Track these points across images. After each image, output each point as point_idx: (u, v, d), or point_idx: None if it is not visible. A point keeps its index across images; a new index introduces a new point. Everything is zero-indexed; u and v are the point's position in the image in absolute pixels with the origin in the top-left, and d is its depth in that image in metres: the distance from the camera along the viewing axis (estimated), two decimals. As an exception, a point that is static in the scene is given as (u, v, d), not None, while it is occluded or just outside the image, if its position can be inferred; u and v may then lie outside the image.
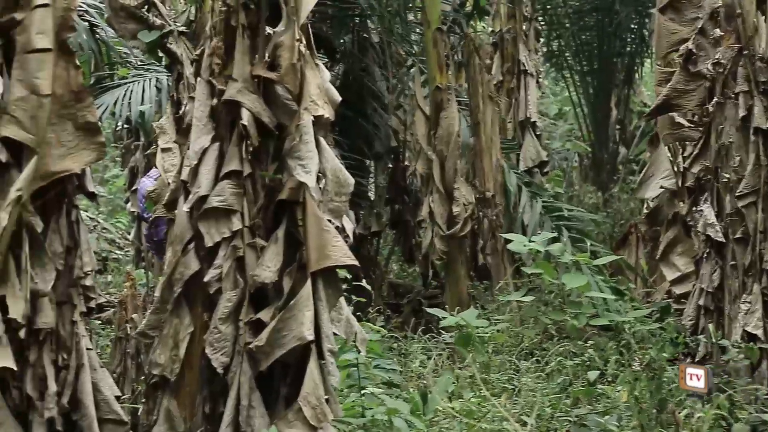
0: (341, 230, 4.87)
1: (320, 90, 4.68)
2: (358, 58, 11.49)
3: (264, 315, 4.73)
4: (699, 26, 6.85)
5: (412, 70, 11.90)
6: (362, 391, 5.80)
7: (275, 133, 4.79)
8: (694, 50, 6.83)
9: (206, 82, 4.81)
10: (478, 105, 10.47)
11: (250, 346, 4.69)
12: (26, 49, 3.97)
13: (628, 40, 16.56)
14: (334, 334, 4.85)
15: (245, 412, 4.71)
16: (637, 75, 17.87)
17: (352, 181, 4.92)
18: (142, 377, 5.84)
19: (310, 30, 4.81)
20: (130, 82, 8.76)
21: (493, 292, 10.03)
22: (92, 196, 4.41)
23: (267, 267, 4.74)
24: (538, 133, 12.99)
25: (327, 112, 4.68)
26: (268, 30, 4.79)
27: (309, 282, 4.69)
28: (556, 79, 18.77)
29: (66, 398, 4.29)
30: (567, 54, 16.80)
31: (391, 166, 12.32)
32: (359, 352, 5.12)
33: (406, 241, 12.47)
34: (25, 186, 4.02)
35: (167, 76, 8.58)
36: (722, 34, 6.69)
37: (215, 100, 4.78)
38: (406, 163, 12.28)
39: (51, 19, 3.98)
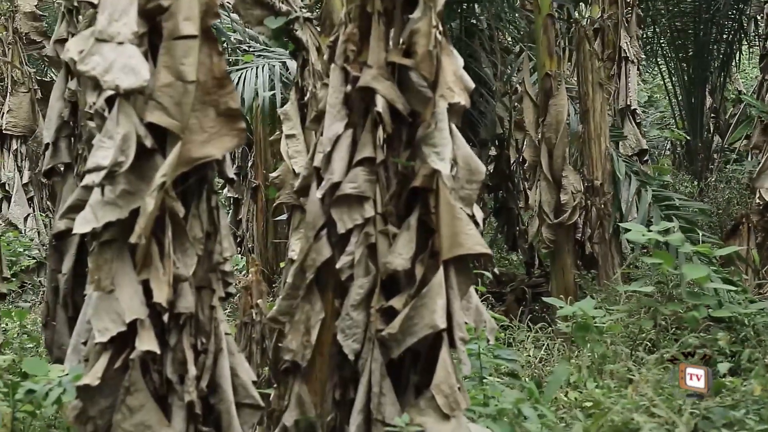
0: (472, 218, 4.83)
1: (456, 77, 4.64)
2: (466, 44, 11.42)
3: (396, 302, 4.72)
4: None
5: (520, 56, 11.80)
6: (483, 380, 5.78)
7: (409, 120, 4.76)
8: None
9: (340, 69, 4.79)
10: (588, 92, 10.35)
11: (382, 334, 4.68)
12: (173, 36, 3.99)
13: (726, 26, 16.26)
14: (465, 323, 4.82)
15: (376, 399, 4.71)
16: (733, 62, 17.55)
17: (483, 168, 4.87)
18: (267, 362, 5.88)
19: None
20: (242, 69, 8.79)
21: (601, 281, 9.91)
22: (231, 182, 4.43)
23: (399, 254, 4.72)
24: (637, 120, 12.84)
25: (462, 99, 4.64)
26: (404, 16, 4.76)
27: (441, 270, 4.67)
28: (648, 66, 18.52)
29: (205, 382, 4.32)
30: (662, 41, 16.55)
31: (495, 153, 12.25)
32: (488, 341, 5.07)
33: (510, 229, 12.40)
34: (169, 172, 4.05)
35: (279, 62, 8.63)
36: None
37: (349, 87, 4.77)
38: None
39: (197, 6, 4.00)
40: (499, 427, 4.85)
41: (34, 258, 11.94)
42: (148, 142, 4.05)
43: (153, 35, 4.05)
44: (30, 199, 13.19)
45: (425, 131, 4.66)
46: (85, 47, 3.93)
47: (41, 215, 13.16)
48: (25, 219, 13.06)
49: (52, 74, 17.37)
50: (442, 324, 4.60)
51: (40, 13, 14.78)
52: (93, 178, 4.03)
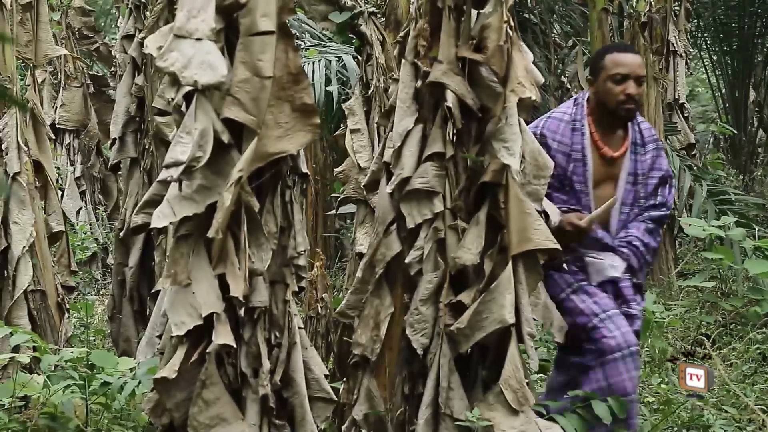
0: (542, 214, 4.83)
1: (527, 72, 4.64)
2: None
3: (465, 297, 4.73)
4: None
5: (574, 50, 11.76)
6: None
7: (478, 115, 4.77)
8: None
9: (411, 64, 4.81)
10: (642, 86, 10.29)
11: (451, 328, 4.69)
12: (250, 32, 4.01)
13: (771, 21, 16.16)
14: (533, 319, 4.82)
15: (444, 394, 4.73)
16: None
17: (551, 164, 4.87)
18: (333, 356, 5.90)
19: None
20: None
21: (656, 276, 9.87)
22: (306, 177, 4.45)
23: (468, 249, 4.73)
24: (685, 115, 12.76)
25: (533, 94, 4.64)
26: (474, 12, 4.76)
27: (510, 265, 4.67)
28: (691, 59, 18.42)
29: (278, 376, 4.35)
30: (706, 34, 16.44)
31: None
32: (554, 338, 5.07)
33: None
34: (245, 167, 4.07)
35: (335, 57, 8.66)
36: None
37: (419, 82, 4.78)
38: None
39: (274, 2, 4.02)
40: (569, 420, 4.84)
41: (89, 249, 12.03)
42: (225, 138, 4.08)
43: (230, 31, 4.08)
44: (82, 193, 13.29)
45: (496, 126, 4.66)
46: (164, 43, 3.96)
47: (94, 209, 13.27)
48: (78, 212, 13.17)
49: (97, 69, 17.49)
50: (511, 319, 4.61)
51: (89, 8, 14.90)
52: (171, 173, 4.06)
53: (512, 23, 4.68)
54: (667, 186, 5.19)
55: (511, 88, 4.65)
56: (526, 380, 4.70)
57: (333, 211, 8.84)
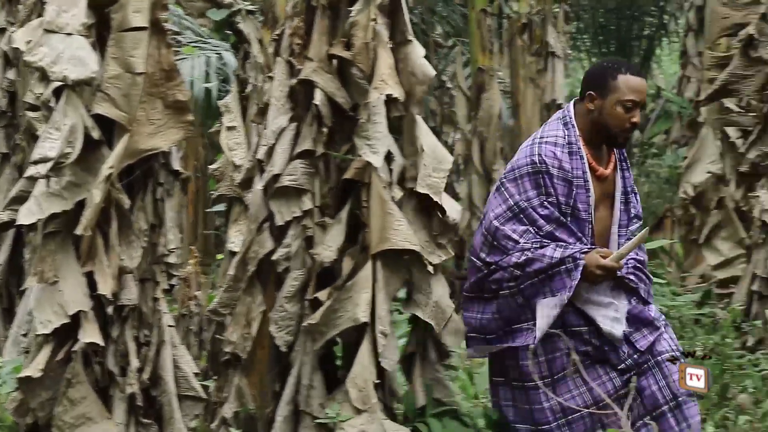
0: (437, 207, 4.81)
1: (392, 70, 4.67)
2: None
3: (322, 294, 4.74)
4: (761, 12, 6.87)
5: (453, 50, 11.90)
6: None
7: (350, 113, 4.80)
8: (755, 35, 6.84)
9: (285, 62, 4.81)
10: (519, 87, 10.48)
11: (304, 324, 4.71)
12: (122, 27, 3.99)
13: (647, 23, 16.58)
14: (417, 317, 4.82)
15: (305, 392, 4.73)
16: (653, 58, 17.91)
17: (450, 158, 4.87)
18: (205, 354, 5.87)
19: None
20: (178, 60, 8.74)
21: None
22: (177, 174, 4.43)
23: (328, 247, 4.75)
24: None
25: (398, 92, 4.67)
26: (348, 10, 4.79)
27: (369, 264, 4.70)
28: (570, 60, 18.81)
29: (147, 374, 4.33)
30: (585, 36, 16.80)
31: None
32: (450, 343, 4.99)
33: (439, 222, 12.47)
34: (116, 164, 4.04)
35: (215, 54, 8.63)
36: (786, 20, 6.72)
37: (294, 80, 4.79)
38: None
39: (147, -2, 4.00)
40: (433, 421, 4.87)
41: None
42: (95, 134, 4.04)
43: (102, 27, 4.04)
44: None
45: (359, 124, 4.69)
46: (33, 38, 3.90)
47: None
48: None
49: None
50: (364, 318, 4.63)
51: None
52: (38, 169, 4.01)
53: (395, 21, 4.73)
54: (637, 195, 4.87)
55: (374, 85, 4.68)
56: (378, 380, 4.69)
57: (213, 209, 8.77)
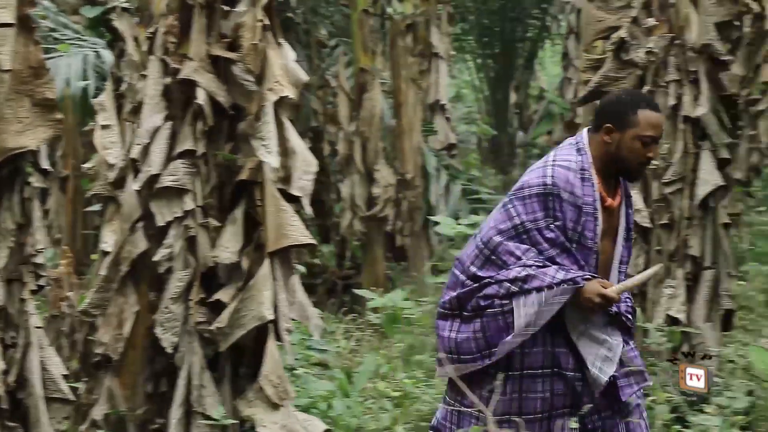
0: (298, 210, 4.87)
1: (283, 71, 4.69)
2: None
3: (223, 295, 4.74)
4: (632, 15, 7.02)
5: (335, 50, 11.92)
6: (293, 372, 5.85)
7: (231, 113, 4.79)
8: (627, 38, 7.00)
9: (159, 61, 4.78)
10: (400, 87, 10.55)
11: (210, 328, 4.70)
12: (-12, 23, 3.90)
13: (530, 25, 16.85)
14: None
15: (197, 392, 4.73)
16: (536, 60, 18.20)
17: (315, 161, 4.93)
18: (77, 356, 5.78)
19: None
20: (53, 57, 8.59)
21: (411, 273, 10.14)
22: (46, 173, 4.36)
23: (226, 248, 4.75)
24: (447, 116, 13.12)
25: (291, 93, 4.69)
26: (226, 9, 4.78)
27: (267, 262, 4.71)
28: (456, 61, 19.02)
29: (12, 377, 4.25)
30: (470, 37, 16.99)
31: (310, 146, 12.31)
32: (311, 336, 5.12)
33: (322, 222, 12.50)
34: (-19, 162, 3.96)
35: (93, 52, 8.47)
36: (656, 23, 6.87)
37: (169, 79, 4.76)
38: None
39: (14, -7, 3.92)
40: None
41: None
42: (-40, 132, 3.95)
43: (-34, 22, 3.95)
44: None
45: (252, 125, 4.69)
46: None
47: None
48: None
49: None
50: (270, 315, 4.65)
51: None
52: None
53: (272, 22, 4.72)
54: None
55: (268, 86, 4.69)
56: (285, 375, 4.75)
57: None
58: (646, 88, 6.87)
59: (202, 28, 4.72)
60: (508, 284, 4.20)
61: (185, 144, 4.72)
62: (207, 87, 4.67)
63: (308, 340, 6.50)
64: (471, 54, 17.04)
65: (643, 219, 6.92)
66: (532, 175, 4.32)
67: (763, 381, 6.37)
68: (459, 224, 8.24)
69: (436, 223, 8.72)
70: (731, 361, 7.33)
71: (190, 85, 4.69)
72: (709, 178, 6.85)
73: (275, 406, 4.62)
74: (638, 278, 4.45)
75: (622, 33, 7.02)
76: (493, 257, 4.26)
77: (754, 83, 10.83)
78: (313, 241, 4.69)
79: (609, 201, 4.38)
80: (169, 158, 4.74)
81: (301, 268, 7.01)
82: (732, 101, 7.09)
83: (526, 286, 4.18)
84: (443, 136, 12.62)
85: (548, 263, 4.20)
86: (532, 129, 17.31)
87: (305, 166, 4.77)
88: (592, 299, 4.20)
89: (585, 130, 4.48)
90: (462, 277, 4.33)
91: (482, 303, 4.26)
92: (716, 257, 6.99)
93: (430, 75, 12.72)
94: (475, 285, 4.28)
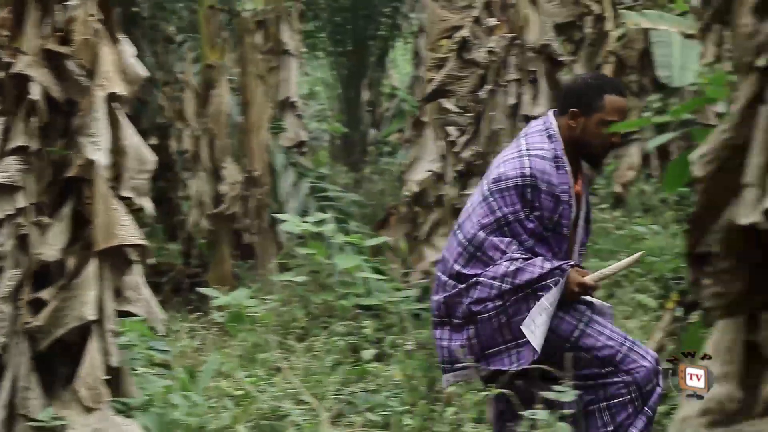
0: (136, 209, 4.82)
1: (116, 67, 4.64)
2: (127, 32, 11.27)
3: (46, 294, 4.66)
4: (474, 15, 7.18)
5: (182, 46, 11.81)
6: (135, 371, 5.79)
7: (65, 108, 4.72)
8: (469, 38, 7.15)
9: (-8, 54, 4.68)
10: (248, 84, 10.51)
11: (28, 326, 4.61)
12: None
13: (381, 23, 16.99)
14: (130, 314, 4.83)
15: (22, 394, 4.63)
16: (388, 58, 18.35)
17: (152, 158, 4.89)
18: None
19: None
20: None
21: (258, 271, 10.12)
22: None
23: (51, 245, 4.67)
24: (297, 113, 13.13)
25: (122, 89, 4.64)
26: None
27: (95, 261, 4.65)
28: (308, 59, 19.05)
29: None
30: (322, 34, 17.05)
31: (156, 142, 12.17)
32: (156, 332, 5.08)
33: (169, 219, 12.37)
34: None
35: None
36: (496, 23, 7.04)
37: (2, 73, 4.66)
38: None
39: None
40: (148, 417, 4.87)
41: None
42: None
43: None
44: None
45: (82, 121, 4.63)
46: None
47: None
48: None
49: None
50: (93, 316, 4.59)
51: None
52: None
53: (108, 16, 4.67)
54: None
55: (98, 82, 4.63)
56: (108, 377, 4.68)
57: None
58: (487, 88, 7.04)
59: (36, 22, 4.64)
60: (499, 282, 4.19)
61: (18, 140, 4.62)
62: (41, 82, 4.59)
63: (150, 340, 6.43)
64: (324, 51, 17.08)
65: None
66: (509, 167, 4.30)
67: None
68: (305, 222, 8.25)
69: (283, 221, 8.72)
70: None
71: (24, 79, 4.60)
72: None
73: (89, 409, 4.55)
74: (616, 266, 4.48)
75: (464, 32, 7.18)
76: (479, 254, 4.24)
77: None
78: (143, 242, 4.64)
79: (576, 187, 4.41)
80: (2, 154, 4.64)
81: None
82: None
83: (516, 281, 4.18)
84: (293, 133, 12.61)
85: (531, 255, 4.22)
86: (384, 127, 17.45)
87: (140, 165, 4.73)
88: (571, 288, 4.24)
89: (551, 113, 4.49)
90: (444, 277, 4.31)
91: (474, 309, 4.24)
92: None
93: (280, 72, 12.71)
94: (461, 286, 4.25)
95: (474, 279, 4.21)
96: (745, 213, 2.11)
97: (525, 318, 4.19)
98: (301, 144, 12.70)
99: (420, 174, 9.15)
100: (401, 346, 6.53)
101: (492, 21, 7.07)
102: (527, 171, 4.27)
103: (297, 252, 8.74)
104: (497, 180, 4.27)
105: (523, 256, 4.21)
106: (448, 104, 8.10)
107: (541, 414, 3.94)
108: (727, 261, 2.16)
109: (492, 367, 4.26)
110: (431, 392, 5.89)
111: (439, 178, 8.92)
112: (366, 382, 6.39)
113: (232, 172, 10.41)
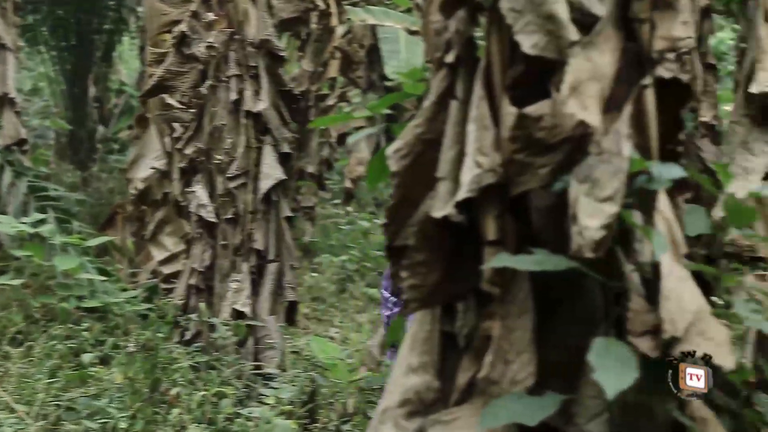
0: None
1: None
2: None
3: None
4: (192, 9, 7.08)
5: None
6: None
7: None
8: (187, 33, 7.04)
9: None
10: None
11: None
12: None
13: (106, 17, 16.60)
14: None
15: None
16: (115, 53, 17.96)
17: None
18: None
19: None
20: None
21: None
22: None
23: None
24: (17, 110, 12.63)
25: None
26: None
27: None
28: (31, 54, 18.34)
29: None
30: (43, 29, 16.47)
31: None
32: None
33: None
34: None
35: None
36: (215, 18, 6.97)
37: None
38: None
39: None
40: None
41: None
42: None
43: None
44: None
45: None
46: None
47: None
48: None
49: None
50: None
51: None
52: None
53: None
54: None
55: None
56: None
57: None
58: (208, 83, 6.96)
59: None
60: None
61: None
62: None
63: None
64: (45, 45, 16.45)
65: (208, 214, 7.00)
66: None
67: (325, 369, 6.62)
68: (22, 222, 7.90)
69: (-1, 222, 8.32)
70: (295, 352, 7.59)
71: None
72: (271, 172, 7.05)
73: None
74: None
75: (183, 27, 7.07)
76: None
77: (323, 79, 11.29)
78: None
79: None
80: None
81: None
82: (292, 96, 7.34)
83: None
84: (12, 131, 12.09)
85: None
86: (112, 123, 17.03)
87: None
88: None
89: None
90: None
91: None
92: (280, 250, 7.20)
93: (-23, 68, 12.14)
94: None
95: None
96: (439, 206, 2.15)
97: None
98: (21, 142, 12.17)
99: (144, 171, 8.92)
100: (123, 348, 6.36)
101: (211, 16, 6.99)
102: None
103: (10, 255, 8.35)
104: None
105: None
106: (171, 100, 7.95)
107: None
108: (422, 253, 2.19)
109: None
110: (154, 394, 5.75)
111: (164, 175, 8.74)
112: (87, 386, 6.17)
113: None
